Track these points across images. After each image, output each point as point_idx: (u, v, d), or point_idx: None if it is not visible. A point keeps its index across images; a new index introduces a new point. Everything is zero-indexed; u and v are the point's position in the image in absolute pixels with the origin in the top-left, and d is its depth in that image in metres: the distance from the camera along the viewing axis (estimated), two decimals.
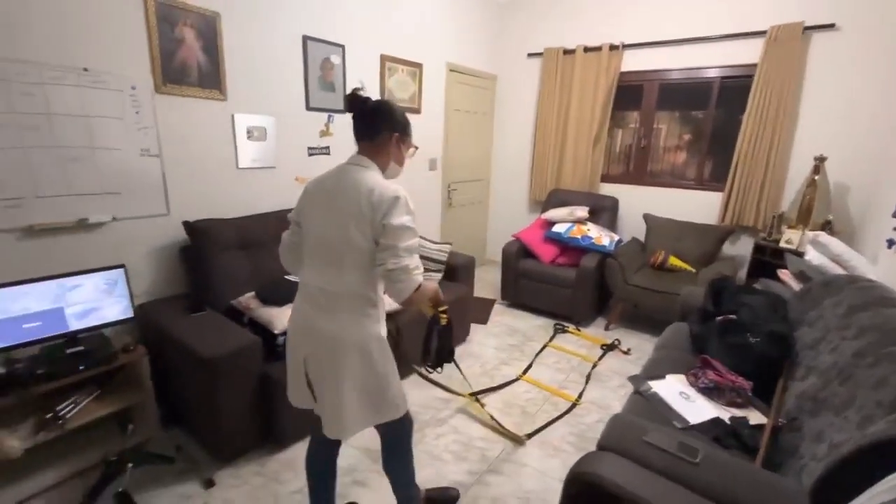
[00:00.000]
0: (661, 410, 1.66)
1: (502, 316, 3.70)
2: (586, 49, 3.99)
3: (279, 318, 2.01)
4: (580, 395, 2.55)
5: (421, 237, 3.21)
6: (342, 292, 1.28)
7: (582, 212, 3.76)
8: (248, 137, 2.55)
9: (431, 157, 3.96)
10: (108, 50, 1.95)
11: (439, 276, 3.09)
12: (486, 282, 4.31)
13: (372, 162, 1.32)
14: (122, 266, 1.97)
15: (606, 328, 3.50)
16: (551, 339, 3.29)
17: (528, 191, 4.67)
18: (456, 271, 3.14)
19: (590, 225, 3.70)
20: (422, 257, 3.18)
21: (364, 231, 1.22)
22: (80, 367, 1.77)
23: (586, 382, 2.71)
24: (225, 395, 1.81)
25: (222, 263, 2.24)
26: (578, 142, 4.17)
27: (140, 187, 2.14)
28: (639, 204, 3.99)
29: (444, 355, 1.50)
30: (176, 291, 2.32)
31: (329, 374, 1.31)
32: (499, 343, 3.22)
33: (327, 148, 3.01)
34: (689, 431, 1.53)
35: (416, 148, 1.48)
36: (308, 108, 2.83)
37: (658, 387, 1.80)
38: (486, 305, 3.82)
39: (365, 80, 3.17)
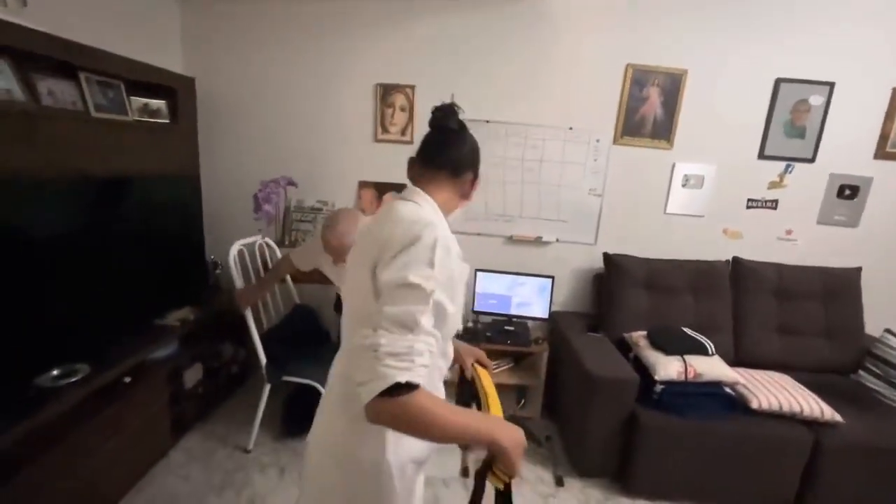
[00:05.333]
0: None
1: None
2: None
3: (664, 366, 1.95)
4: None
5: None
6: (337, 372, 0.92)
7: None
8: (683, 185, 2.58)
9: None
10: (587, 112, 2.51)
11: None
12: None
13: (428, 196, 0.90)
14: (551, 277, 2.50)
15: None
16: None
17: None
18: None
19: None
20: None
21: (374, 289, 0.78)
22: (508, 342, 2.40)
23: None
24: (595, 415, 1.96)
25: (626, 297, 2.40)
26: None
27: (580, 219, 2.63)
28: None
29: None
30: (582, 309, 2.71)
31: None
32: None
33: (774, 202, 2.58)
34: None
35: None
36: (761, 156, 2.53)
37: None
38: None
39: (863, 117, 2.47)
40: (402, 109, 2.52)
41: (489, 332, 2.42)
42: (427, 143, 0.95)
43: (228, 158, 2.61)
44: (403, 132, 2.55)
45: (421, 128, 2.54)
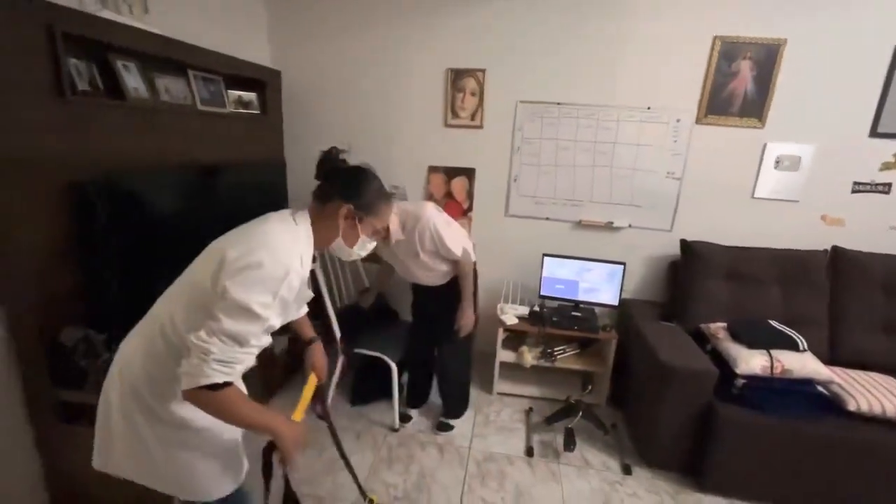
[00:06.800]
0: None
1: None
2: None
3: (746, 360, 1.85)
4: None
5: None
6: (155, 316, 1.00)
7: None
8: (776, 167, 2.37)
9: None
10: (668, 90, 2.37)
11: None
12: None
13: (308, 223, 1.04)
14: (622, 263, 2.43)
15: None
16: None
17: None
18: None
19: None
20: None
21: (212, 278, 0.89)
22: (574, 327, 2.38)
23: None
24: (668, 405, 1.90)
25: (704, 286, 2.28)
26: None
27: (656, 204, 2.51)
28: None
29: None
30: (654, 298, 2.61)
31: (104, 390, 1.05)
32: None
33: (887, 186, 2.30)
34: None
35: (383, 238, 1.04)
36: (873, 133, 2.26)
37: None
38: None
39: None
40: (473, 94, 2.53)
41: (555, 317, 2.41)
42: None
43: (310, 144, 2.78)
44: (473, 117, 2.57)
45: (491, 112, 2.54)
